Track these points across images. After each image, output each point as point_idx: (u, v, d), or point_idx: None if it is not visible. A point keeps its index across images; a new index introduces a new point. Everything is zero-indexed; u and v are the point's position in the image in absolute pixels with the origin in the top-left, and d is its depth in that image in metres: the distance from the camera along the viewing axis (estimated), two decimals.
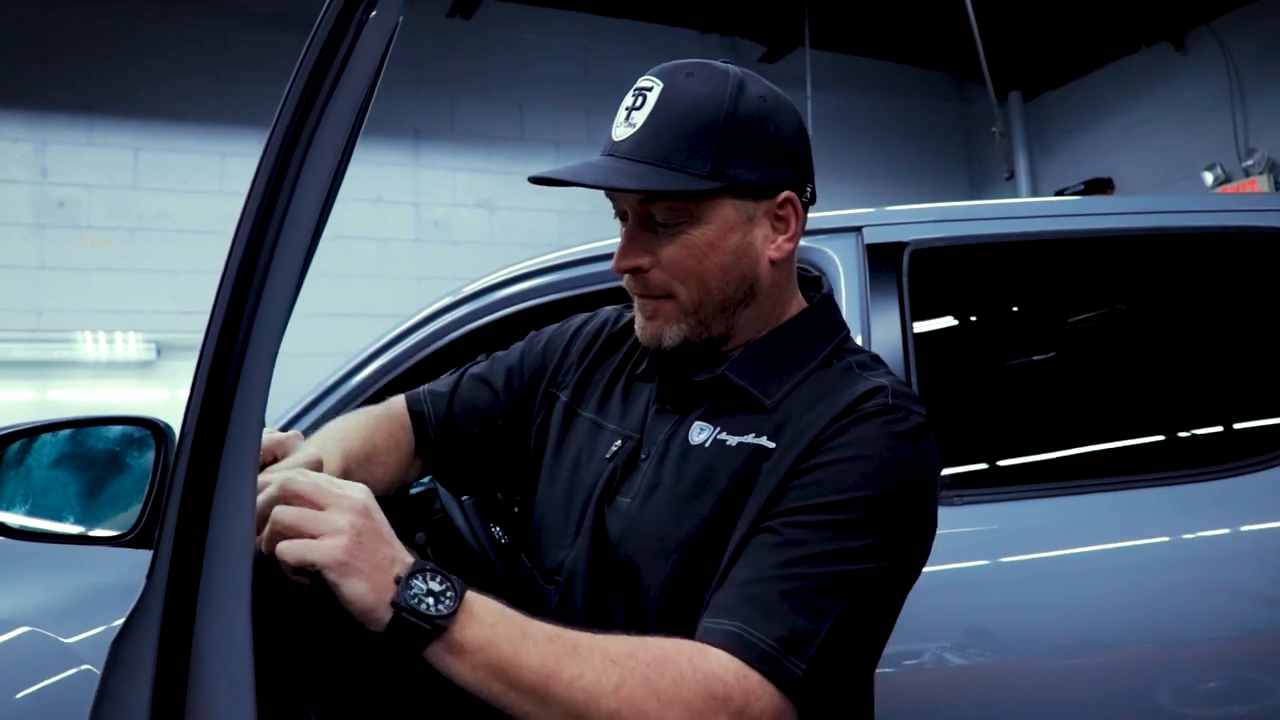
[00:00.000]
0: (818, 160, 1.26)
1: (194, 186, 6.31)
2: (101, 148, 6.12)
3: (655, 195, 1.16)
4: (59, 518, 1.80)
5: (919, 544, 1.12)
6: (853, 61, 7.89)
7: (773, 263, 1.20)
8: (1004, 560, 1.90)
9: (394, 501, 2.64)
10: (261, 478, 1.05)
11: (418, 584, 0.95)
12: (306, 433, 1.42)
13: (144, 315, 6.03)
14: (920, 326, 2.05)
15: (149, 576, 0.86)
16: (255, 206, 0.92)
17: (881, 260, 2.07)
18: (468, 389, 1.48)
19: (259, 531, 1.00)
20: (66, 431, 1.84)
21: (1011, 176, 5.40)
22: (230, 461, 0.88)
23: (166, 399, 6.13)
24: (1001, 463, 2.13)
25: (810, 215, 2.15)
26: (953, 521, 1.89)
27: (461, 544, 2.49)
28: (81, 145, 6.03)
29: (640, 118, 1.16)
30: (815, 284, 1.35)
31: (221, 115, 6.41)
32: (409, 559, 0.98)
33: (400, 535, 2.19)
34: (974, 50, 4.40)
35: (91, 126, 6.08)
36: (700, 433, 1.20)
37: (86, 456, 1.85)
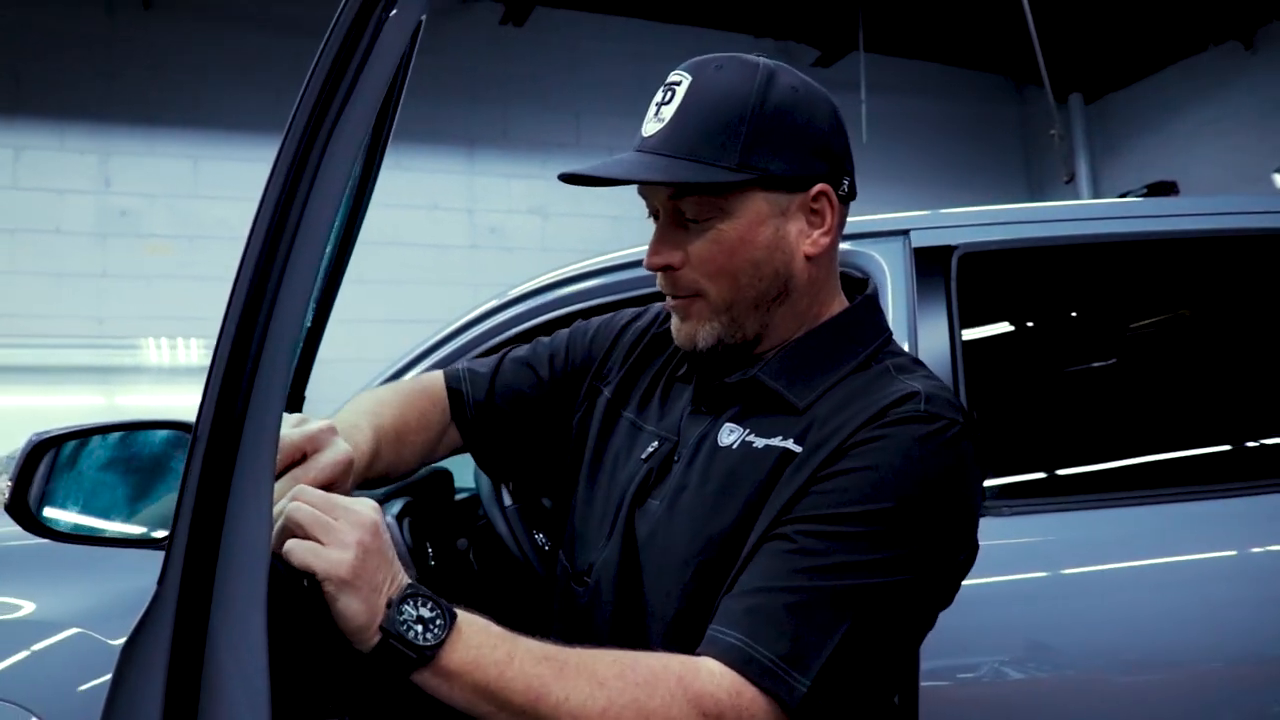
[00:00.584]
0: (873, 166, 1.22)
1: (252, 194, 6.28)
2: (162, 158, 6.23)
3: (683, 189, 1.13)
4: (108, 520, 1.82)
5: (945, 558, 1.07)
6: (908, 65, 7.80)
7: (808, 258, 1.16)
8: (1064, 572, 1.84)
9: (438, 507, 2.64)
10: (280, 484, 1.05)
11: (408, 610, 0.94)
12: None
13: (204, 321, 6.11)
14: (970, 333, 2.00)
15: (160, 581, 0.84)
16: (270, 208, 0.91)
17: (930, 264, 2.02)
18: (509, 372, 1.46)
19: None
20: (116, 435, 1.85)
21: (1071, 180, 5.29)
22: (246, 465, 0.86)
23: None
24: (1058, 472, 2.07)
25: (857, 218, 2.10)
26: (1004, 532, 1.84)
27: (503, 550, 2.47)
28: (143, 155, 6.14)
29: (669, 112, 1.13)
30: (861, 285, 1.29)
31: (278, 124, 6.46)
32: (405, 581, 0.97)
33: (444, 540, 2.20)
34: (1033, 52, 4.31)
35: (152, 137, 6.19)
36: (729, 434, 1.18)
37: (135, 460, 1.86)
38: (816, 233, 1.16)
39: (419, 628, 0.94)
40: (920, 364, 1.21)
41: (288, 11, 6.53)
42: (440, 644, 0.94)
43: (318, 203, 0.92)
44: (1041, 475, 2.04)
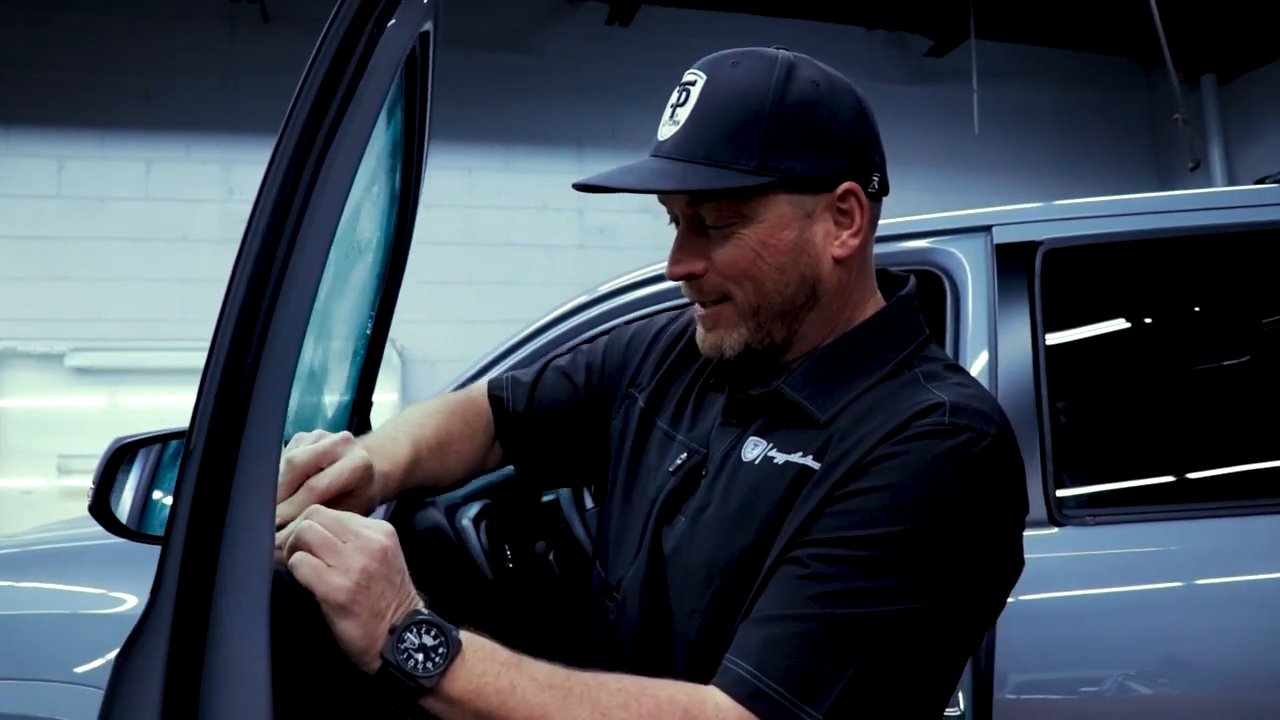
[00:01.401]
0: (988, 158, 1.16)
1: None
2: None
3: (700, 196, 1.08)
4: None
5: (971, 580, 1.01)
6: (1025, 51, 7.50)
7: (837, 261, 1.10)
8: (1197, 584, 1.75)
9: (521, 510, 2.66)
10: (296, 498, 1.06)
11: (410, 637, 0.95)
12: None
13: None
14: (1054, 337, 1.91)
15: (153, 592, 0.85)
16: (266, 218, 0.91)
17: (1012, 262, 1.93)
18: (549, 381, 1.45)
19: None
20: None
21: (1196, 166, 4.98)
22: (247, 477, 0.87)
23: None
24: (1155, 480, 1.97)
25: (937, 215, 2.01)
26: (1094, 543, 1.75)
27: (580, 553, 2.47)
28: (263, 164, 6.35)
29: (684, 114, 1.09)
30: (900, 282, 1.23)
31: None
32: (413, 608, 0.97)
33: (523, 542, 2.22)
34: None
35: (272, 145, 6.41)
36: (753, 449, 1.13)
37: None
38: (845, 234, 1.10)
39: (419, 656, 0.94)
40: (957, 369, 1.14)
41: None
42: (441, 673, 0.94)
43: (316, 213, 0.91)
44: (1134, 484, 1.95)
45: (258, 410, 0.90)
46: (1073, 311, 1.98)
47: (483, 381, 1.50)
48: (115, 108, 6.28)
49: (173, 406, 6.50)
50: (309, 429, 1.21)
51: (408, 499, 2.21)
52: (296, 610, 0.95)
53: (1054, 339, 1.90)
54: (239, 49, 6.43)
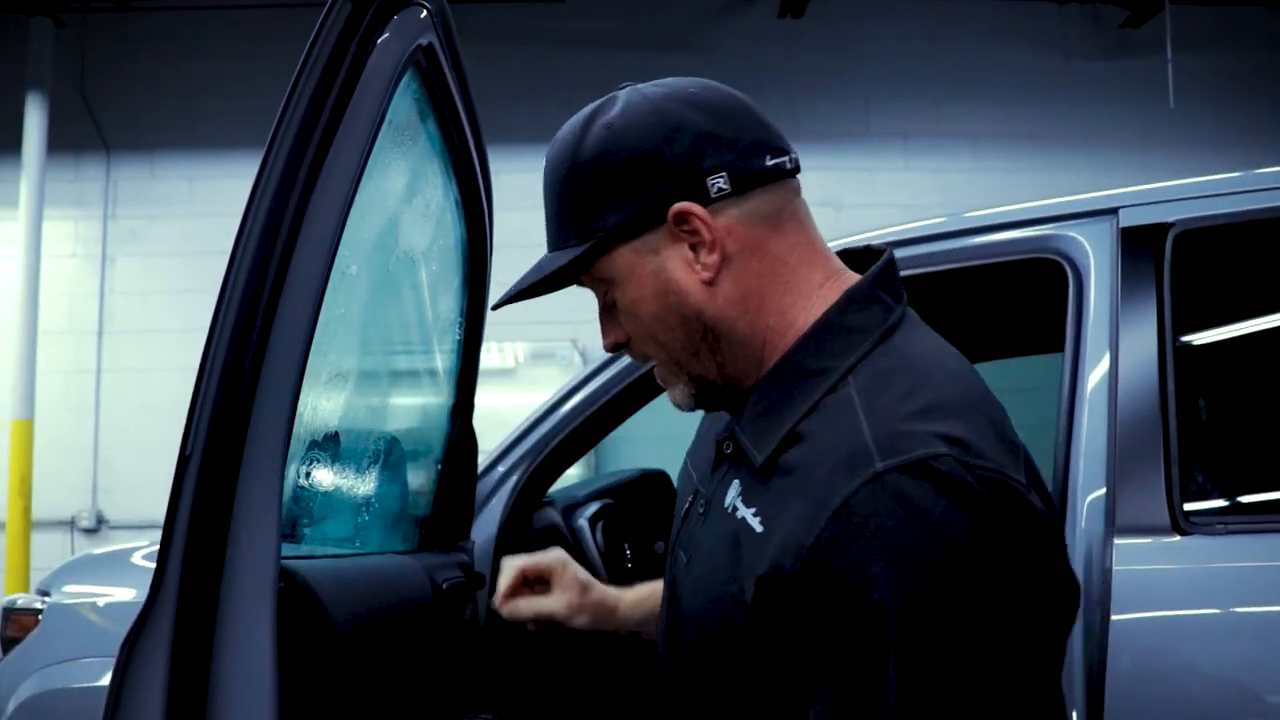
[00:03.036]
0: (1184, 132, 1.04)
1: (520, 203, 6.73)
2: None
3: (549, 283, 1.03)
4: None
5: (1011, 633, 0.85)
6: (1230, 13, 6.88)
7: (710, 284, 1.00)
8: None
9: (647, 510, 2.66)
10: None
11: None
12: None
13: (506, 326, 6.50)
14: (1186, 328, 1.75)
15: (154, 589, 0.90)
16: (259, 226, 0.94)
17: (1140, 247, 1.79)
18: None
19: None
20: None
21: None
22: (248, 487, 0.91)
23: (534, 402, 6.57)
24: None
25: (1060, 199, 1.90)
26: (1223, 554, 1.60)
27: None
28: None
29: None
30: (873, 257, 1.07)
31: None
32: None
33: (644, 543, 2.33)
34: None
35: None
36: (731, 493, 1.03)
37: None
38: (703, 254, 0.99)
39: None
40: (903, 357, 0.97)
41: (575, 27, 6.83)
42: None
43: (314, 223, 0.94)
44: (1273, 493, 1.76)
45: (260, 416, 0.94)
46: (1208, 300, 1.81)
47: None
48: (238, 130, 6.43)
49: None
50: (404, 429, 1.35)
51: (528, 499, 2.26)
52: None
53: (1186, 332, 1.75)
54: None
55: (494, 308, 1.18)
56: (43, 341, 5.93)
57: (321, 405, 1.23)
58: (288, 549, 1.08)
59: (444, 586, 1.57)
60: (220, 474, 0.92)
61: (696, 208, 0.98)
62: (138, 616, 0.92)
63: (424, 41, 1.00)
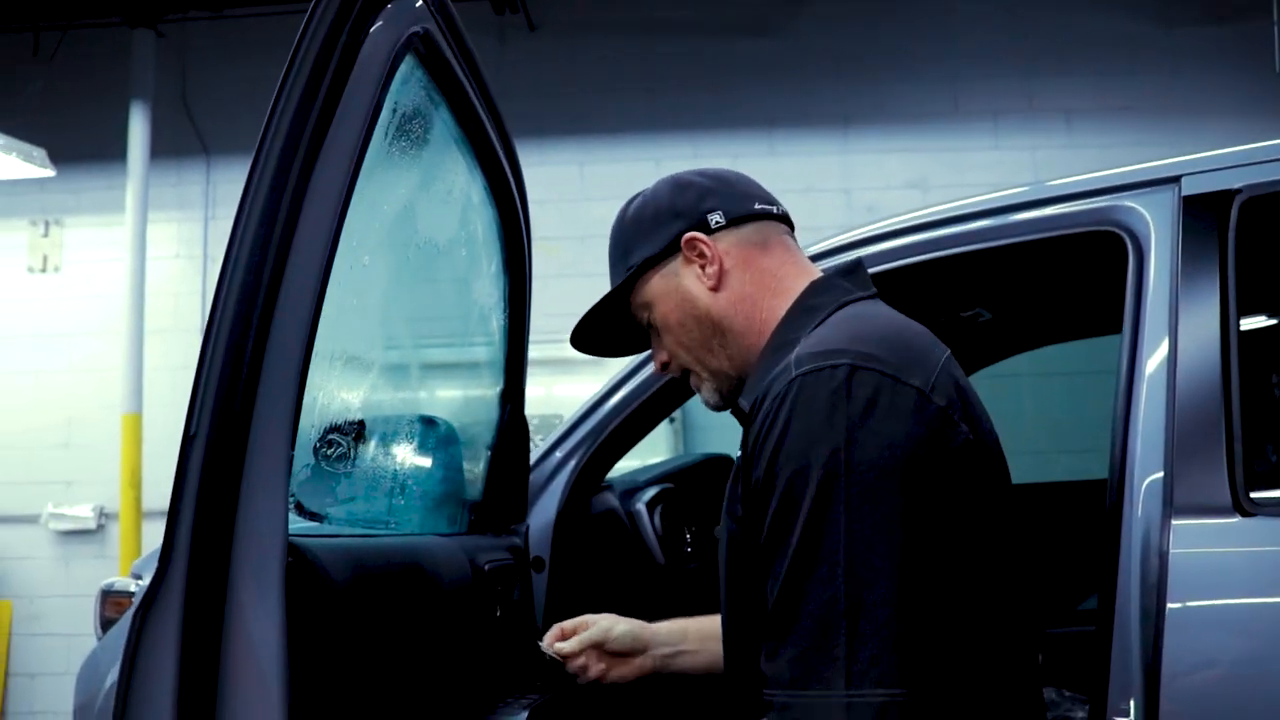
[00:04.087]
0: None
1: (633, 192, 6.75)
2: (553, 166, 6.74)
3: (610, 311, 1.44)
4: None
5: (902, 494, 1.06)
6: None
7: (715, 290, 1.36)
8: None
9: (707, 495, 2.64)
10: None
11: None
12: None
13: None
14: (1253, 301, 1.67)
15: (162, 564, 0.93)
16: (256, 224, 0.96)
17: (1203, 215, 1.71)
18: None
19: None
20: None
21: None
22: (255, 465, 0.94)
23: None
24: None
25: (1123, 169, 1.92)
26: None
27: None
28: (535, 165, 6.62)
29: None
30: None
31: (654, 123, 6.79)
32: None
33: (704, 527, 2.53)
34: None
35: (543, 147, 6.72)
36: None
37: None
38: (708, 269, 1.36)
39: None
40: (828, 318, 1.26)
41: (656, 15, 6.82)
42: None
43: (312, 211, 0.96)
44: None
45: (265, 396, 0.97)
46: (1275, 270, 1.73)
47: None
48: None
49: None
50: (449, 414, 1.66)
51: (587, 483, 2.28)
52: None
53: (1252, 304, 1.67)
54: (507, 58, 6.79)
55: (572, 343, 1.55)
56: (149, 339, 6.17)
57: (344, 389, 1.26)
58: (305, 527, 1.11)
59: (485, 568, 1.59)
60: (226, 453, 0.95)
61: (701, 235, 1.36)
62: (146, 590, 0.95)
63: (420, 29, 1.02)
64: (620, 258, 1.42)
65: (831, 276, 1.35)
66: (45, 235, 6.80)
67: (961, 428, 1.13)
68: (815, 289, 1.32)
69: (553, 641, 1.61)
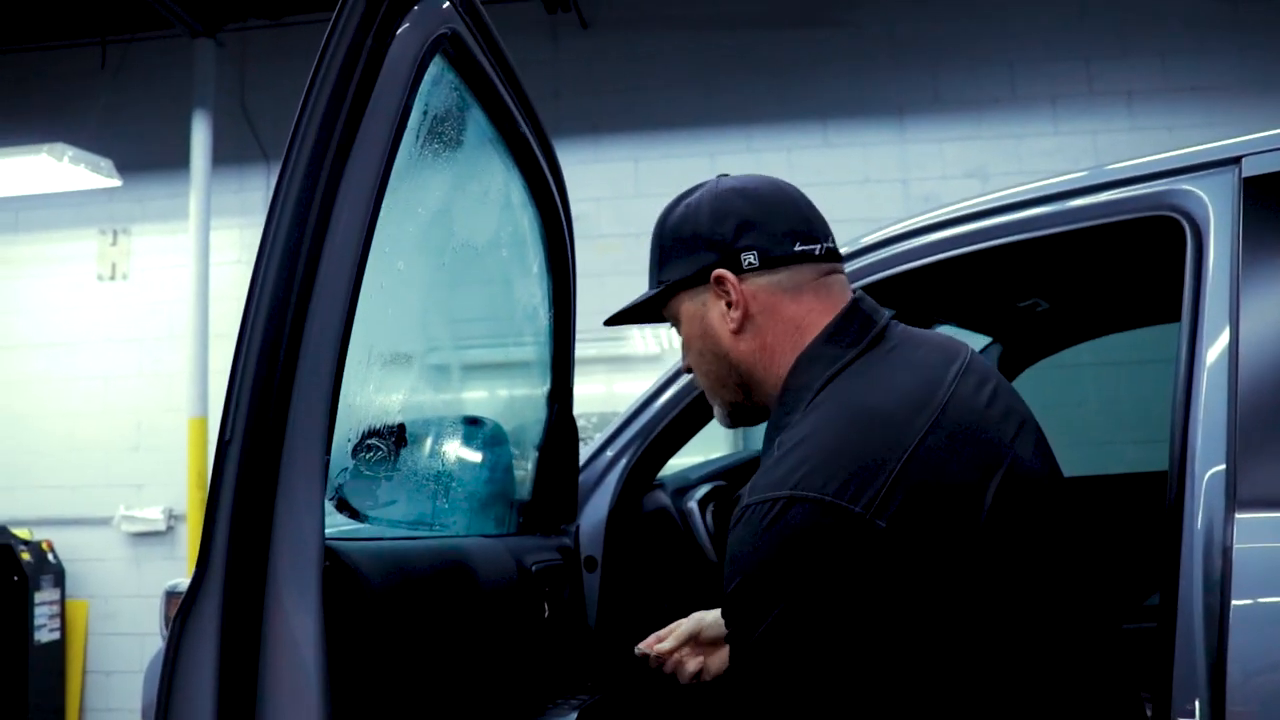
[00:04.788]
0: None
1: (688, 187, 6.74)
2: (607, 163, 6.75)
3: (625, 316, 1.46)
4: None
5: (832, 633, 1.07)
6: None
7: (735, 334, 1.34)
8: None
9: None
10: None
11: None
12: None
13: None
14: None
15: (200, 572, 0.94)
16: (288, 224, 0.97)
17: (1266, 198, 1.66)
18: None
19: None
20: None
21: None
22: (290, 468, 0.94)
23: None
24: None
25: (1177, 151, 1.87)
26: None
27: None
28: (590, 163, 6.69)
29: None
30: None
31: (709, 118, 6.77)
32: None
33: None
34: None
35: (597, 145, 6.73)
36: None
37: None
38: (732, 310, 1.33)
39: None
40: (813, 400, 1.24)
41: (708, 9, 6.79)
42: None
43: (343, 214, 0.97)
44: None
45: (300, 399, 0.97)
46: None
47: None
48: None
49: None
50: (496, 415, 1.69)
51: (639, 482, 2.27)
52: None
53: None
54: (561, 57, 6.81)
55: (605, 323, 1.56)
56: (214, 344, 6.29)
57: (386, 392, 1.27)
58: (342, 530, 1.12)
59: (533, 569, 1.59)
60: (261, 457, 0.96)
61: (730, 275, 1.32)
62: (186, 593, 0.97)
63: (447, 30, 1.02)
64: (655, 266, 1.40)
65: (817, 344, 1.30)
66: (114, 244, 6.97)
67: (903, 546, 1.10)
68: (799, 366, 1.30)
69: (653, 643, 1.62)
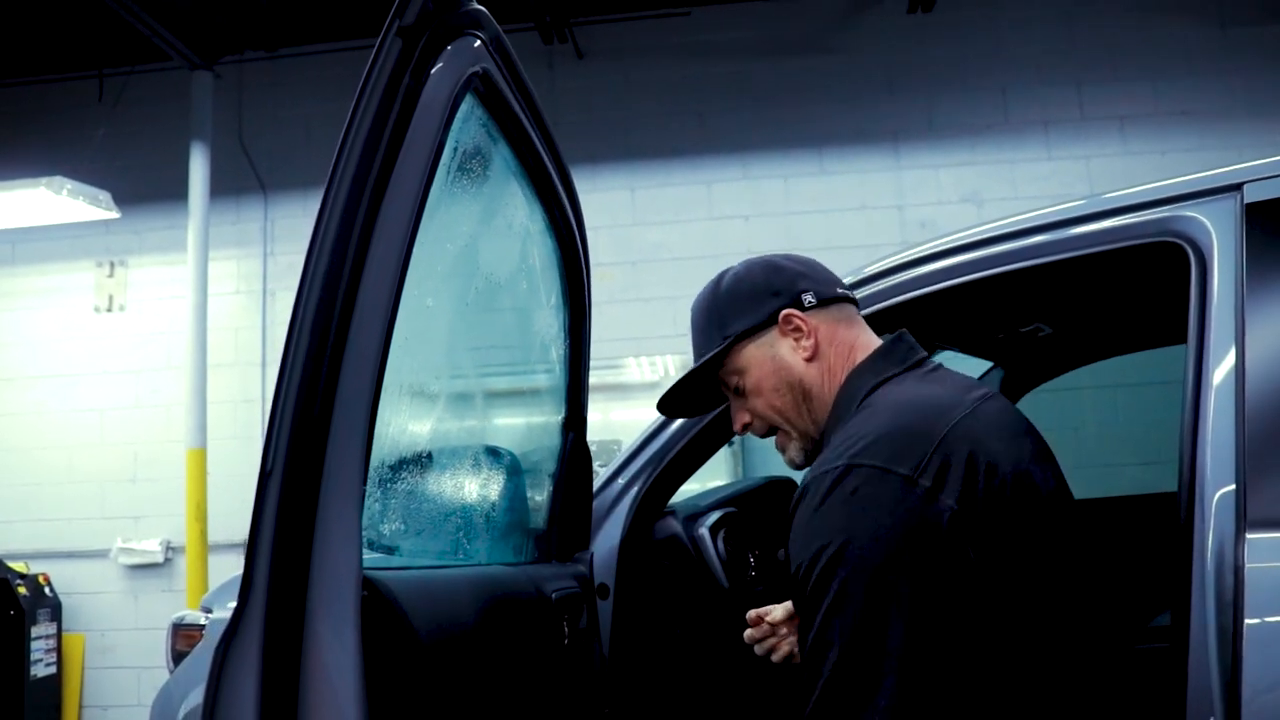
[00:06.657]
0: None
1: (685, 216, 6.77)
2: (604, 192, 6.79)
3: (699, 375, 1.60)
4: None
5: (893, 593, 1.20)
6: None
7: (809, 360, 1.53)
8: None
9: (772, 518, 2.63)
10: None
11: None
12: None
13: (648, 340, 6.57)
14: None
15: (243, 594, 0.96)
16: (326, 261, 0.99)
17: (1267, 224, 1.69)
18: None
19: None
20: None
21: None
22: (329, 499, 0.96)
23: None
24: None
25: (1179, 178, 1.90)
26: None
27: None
28: (586, 192, 6.68)
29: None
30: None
31: (705, 147, 6.82)
32: None
33: (768, 550, 2.57)
34: None
35: (594, 174, 6.77)
36: None
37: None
38: (804, 341, 1.53)
39: None
40: (864, 400, 1.45)
41: (703, 38, 6.86)
42: None
43: (379, 248, 0.99)
44: None
45: (338, 432, 0.99)
46: None
47: None
48: None
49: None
50: (513, 445, 1.71)
51: (650, 509, 2.28)
52: None
53: None
54: (558, 85, 6.87)
55: (659, 408, 1.72)
56: (212, 374, 6.30)
57: (411, 423, 1.28)
58: (376, 561, 1.13)
59: (553, 597, 1.60)
60: (301, 488, 0.97)
61: (798, 312, 1.53)
62: (229, 622, 0.98)
63: (479, 69, 1.04)
64: (716, 327, 1.56)
65: (872, 359, 1.52)
66: (111, 275, 6.98)
67: (945, 503, 1.26)
68: (851, 378, 1.51)
69: (758, 618, 1.79)
